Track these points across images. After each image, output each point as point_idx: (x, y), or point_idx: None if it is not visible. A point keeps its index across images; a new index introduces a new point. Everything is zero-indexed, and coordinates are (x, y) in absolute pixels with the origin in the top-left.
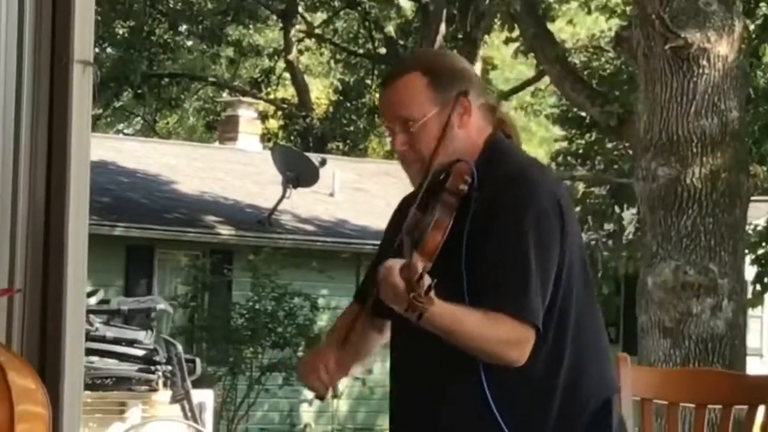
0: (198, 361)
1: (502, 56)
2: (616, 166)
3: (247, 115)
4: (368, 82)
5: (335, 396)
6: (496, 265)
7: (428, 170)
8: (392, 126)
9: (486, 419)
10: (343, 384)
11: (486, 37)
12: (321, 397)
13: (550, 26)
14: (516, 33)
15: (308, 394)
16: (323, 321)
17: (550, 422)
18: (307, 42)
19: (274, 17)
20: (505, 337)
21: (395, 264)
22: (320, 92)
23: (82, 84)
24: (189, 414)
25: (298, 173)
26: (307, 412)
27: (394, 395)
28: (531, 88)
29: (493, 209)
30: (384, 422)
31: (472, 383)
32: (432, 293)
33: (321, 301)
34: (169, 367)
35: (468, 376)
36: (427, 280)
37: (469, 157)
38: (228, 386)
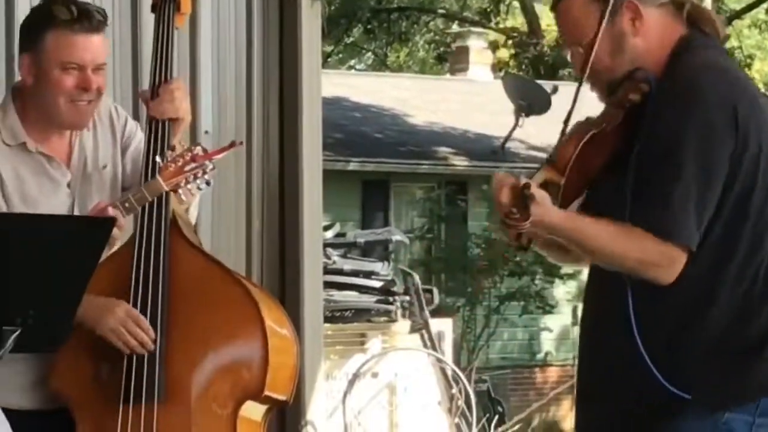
0: (435, 290)
1: None
2: None
3: (477, 46)
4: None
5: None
6: (645, 179)
7: (603, 85)
8: (571, 48)
9: (628, 341)
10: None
11: None
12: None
13: None
14: None
15: (548, 323)
16: None
17: (695, 357)
18: None
19: None
20: (642, 256)
21: (510, 177)
22: (550, 19)
23: (310, 19)
24: (428, 343)
25: (530, 101)
26: (547, 341)
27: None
28: (765, 5)
29: (656, 120)
30: None
31: (619, 301)
32: (533, 210)
33: None
34: (407, 298)
35: (617, 293)
36: (533, 193)
37: (652, 65)
38: (467, 317)
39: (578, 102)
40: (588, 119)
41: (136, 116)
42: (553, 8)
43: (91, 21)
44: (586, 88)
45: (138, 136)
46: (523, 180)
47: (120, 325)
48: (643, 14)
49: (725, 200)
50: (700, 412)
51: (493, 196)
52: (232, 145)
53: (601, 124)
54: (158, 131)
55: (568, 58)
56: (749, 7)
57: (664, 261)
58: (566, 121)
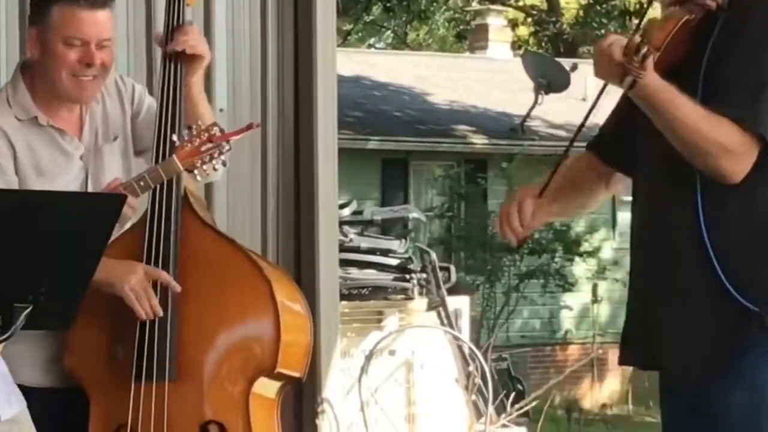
0: (452, 268)
1: None
2: None
3: (496, 23)
4: None
5: (522, 245)
6: (729, 74)
7: None
8: None
9: (697, 247)
10: (603, 288)
11: None
12: (515, 245)
13: None
14: None
15: (568, 301)
16: (580, 226)
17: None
18: None
19: None
20: (722, 140)
21: (614, 38)
22: None
23: None
24: (445, 320)
25: (550, 79)
26: (567, 319)
27: (632, 239)
28: None
29: (737, 31)
30: None
31: (688, 206)
32: (648, 62)
33: None
34: (424, 275)
35: (685, 199)
36: (644, 50)
37: None
38: (487, 295)
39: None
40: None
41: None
42: None
43: None
44: None
45: (147, 99)
46: (637, 38)
47: (139, 286)
48: None
49: None
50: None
51: (602, 54)
52: (249, 127)
53: (691, 13)
54: (174, 69)
55: None
56: None
57: (740, 149)
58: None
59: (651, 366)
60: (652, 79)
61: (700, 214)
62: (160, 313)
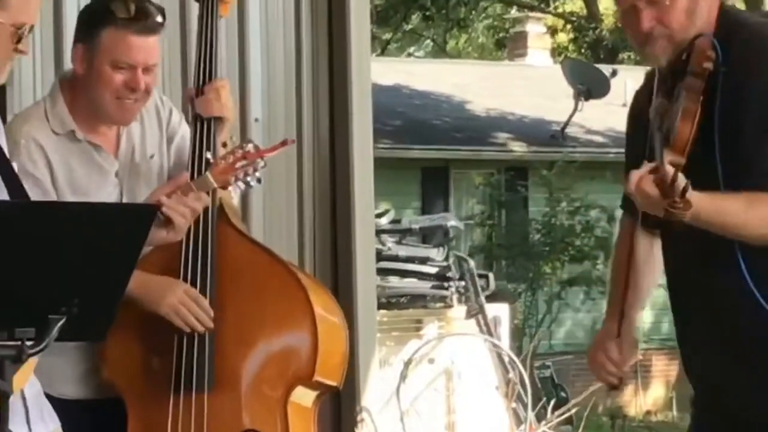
0: (491, 276)
1: None
2: None
3: (535, 30)
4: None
5: (625, 385)
6: (754, 141)
7: (678, 46)
8: (635, 3)
9: (747, 300)
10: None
11: None
12: (616, 388)
13: None
14: None
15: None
16: None
17: None
18: None
19: None
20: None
21: (644, 171)
22: (609, 2)
23: (359, 4)
24: (484, 328)
25: (589, 85)
26: None
27: (672, 302)
28: None
29: (744, 81)
30: None
31: (731, 271)
32: (689, 193)
33: (618, 213)
34: (462, 283)
35: (726, 265)
36: (681, 181)
37: (707, 30)
38: (529, 302)
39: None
40: (674, 92)
41: (184, 110)
42: None
43: (148, 21)
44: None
45: (183, 128)
46: (668, 168)
47: (180, 303)
48: None
49: None
50: None
51: (636, 193)
52: (284, 143)
53: (698, 98)
54: (204, 129)
55: (631, 18)
56: None
57: None
58: (664, 93)
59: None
60: (697, 203)
61: (746, 278)
62: (209, 325)
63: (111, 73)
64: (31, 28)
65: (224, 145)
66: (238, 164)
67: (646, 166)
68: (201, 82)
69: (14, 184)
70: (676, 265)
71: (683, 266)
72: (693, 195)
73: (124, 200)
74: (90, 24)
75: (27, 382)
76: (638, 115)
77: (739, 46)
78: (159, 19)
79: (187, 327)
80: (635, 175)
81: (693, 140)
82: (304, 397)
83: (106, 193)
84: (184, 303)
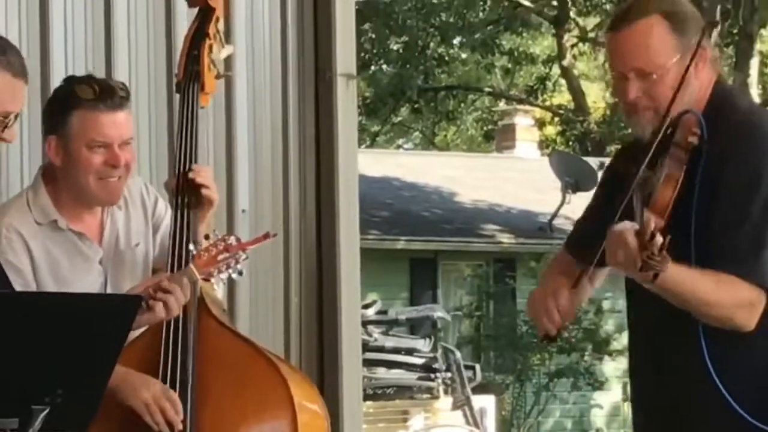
0: (478, 367)
1: None
2: None
3: (523, 123)
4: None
5: (558, 337)
6: (727, 225)
7: (663, 122)
8: (625, 73)
9: (708, 389)
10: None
11: (762, 30)
12: (549, 337)
13: None
14: None
15: (599, 399)
16: (609, 325)
17: None
18: (581, 47)
19: (547, 24)
20: (737, 301)
21: (625, 226)
22: (596, 96)
23: (346, 97)
24: (470, 419)
25: (577, 178)
26: (598, 417)
27: (632, 364)
28: None
29: (724, 164)
30: None
31: (694, 352)
32: (665, 252)
33: (606, 304)
34: (449, 374)
35: (689, 345)
36: (659, 239)
37: (697, 107)
38: (516, 394)
39: None
40: (658, 161)
41: None
42: (625, 25)
43: (114, 98)
44: None
45: (167, 217)
46: (652, 224)
47: (153, 400)
48: (706, 59)
49: None
50: None
51: (617, 248)
52: (266, 236)
53: (681, 166)
54: (185, 214)
55: (621, 85)
56: None
57: (755, 305)
58: (648, 163)
59: None
60: (671, 269)
61: (706, 359)
62: (178, 427)
63: (88, 155)
64: (17, 116)
65: (206, 237)
66: (221, 257)
67: (626, 223)
68: (183, 168)
69: None
70: (638, 330)
71: (645, 333)
72: (671, 264)
73: (109, 288)
74: (58, 112)
75: None
76: (614, 177)
77: (725, 129)
78: (123, 93)
79: (156, 425)
80: (618, 228)
81: (673, 206)
82: None
83: (91, 280)
84: (157, 400)
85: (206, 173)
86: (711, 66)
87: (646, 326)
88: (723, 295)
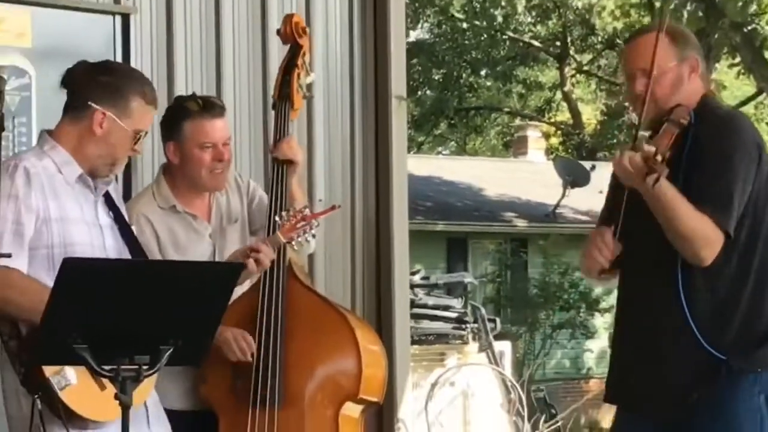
0: (498, 320)
1: (730, 79)
2: None
3: (534, 135)
4: (626, 105)
5: (612, 273)
6: (706, 176)
7: (661, 109)
8: (634, 72)
9: (676, 312)
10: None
11: (716, 64)
12: (605, 271)
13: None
14: (737, 59)
15: (590, 346)
16: (599, 288)
17: (732, 328)
18: (578, 77)
19: (552, 59)
20: (704, 233)
21: (626, 152)
22: (590, 114)
23: (398, 114)
24: (492, 360)
25: (575, 177)
26: (589, 359)
27: (618, 306)
28: (754, 102)
29: (708, 143)
30: None
31: (669, 284)
32: (664, 163)
33: None
34: (476, 325)
35: (667, 276)
36: (660, 157)
37: (688, 105)
38: (527, 341)
39: None
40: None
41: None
42: (635, 37)
43: (214, 109)
44: None
45: (259, 191)
46: (648, 148)
47: (233, 337)
48: (698, 71)
49: (748, 206)
50: (735, 373)
51: (624, 162)
52: (332, 208)
53: (676, 131)
54: (278, 171)
55: (631, 84)
56: (742, 104)
57: (716, 241)
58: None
59: (633, 408)
60: (667, 183)
61: (680, 289)
62: (248, 356)
63: (200, 153)
64: (145, 134)
65: (288, 210)
66: (299, 225)
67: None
68: (277, 138)
69: (134, 246)
70: (627, 279)
71: (635, 270)
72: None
73: (216, 254)
74: (172, 122)
75: (149, 395)
76: (616, 178)
77: (709, 122)
78: (220, 105)
79: (233, 355)
80: (622, 153)
81: (669, 150)
82: (352, 410)
83: (203, 249)
84: (235, 337)
85: (290, 141)
86: (701, 79)
87: (636, 267)
88: (695, 221)
